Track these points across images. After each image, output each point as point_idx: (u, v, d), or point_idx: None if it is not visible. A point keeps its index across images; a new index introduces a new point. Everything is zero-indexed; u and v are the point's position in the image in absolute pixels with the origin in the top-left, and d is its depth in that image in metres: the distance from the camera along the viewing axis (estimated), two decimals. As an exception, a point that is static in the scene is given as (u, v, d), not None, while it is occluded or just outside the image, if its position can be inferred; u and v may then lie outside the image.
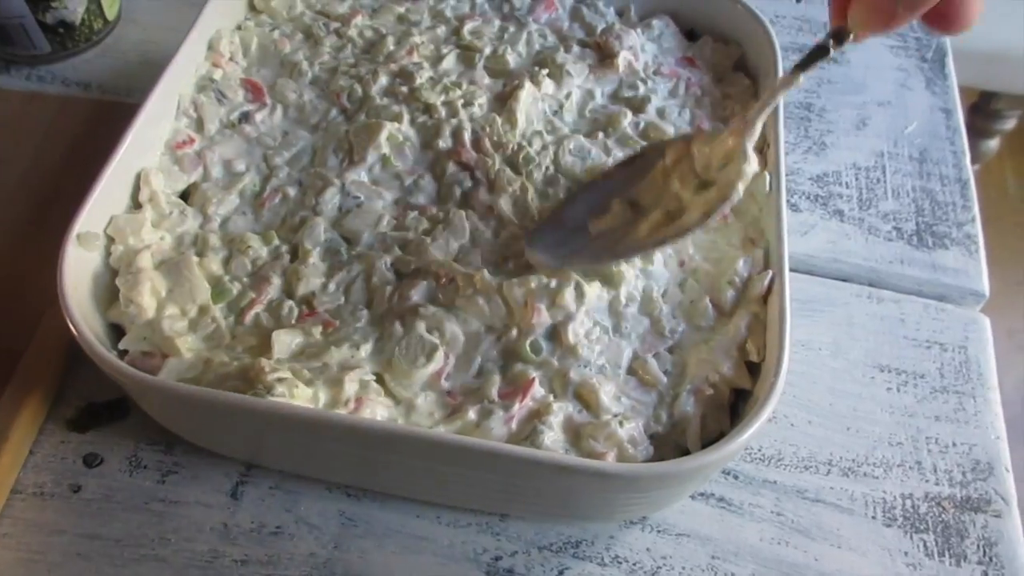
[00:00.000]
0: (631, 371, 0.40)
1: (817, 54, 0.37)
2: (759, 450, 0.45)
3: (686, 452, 0.37)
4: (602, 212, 0.43)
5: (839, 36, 0.36)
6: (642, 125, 0.49)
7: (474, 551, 0.41)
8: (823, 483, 0.44)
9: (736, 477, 0.44)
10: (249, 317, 0.41)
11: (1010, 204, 1.56)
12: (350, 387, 0.37)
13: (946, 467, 0.45)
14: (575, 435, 0.37)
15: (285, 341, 0.39)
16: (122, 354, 0.40)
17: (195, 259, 0.42)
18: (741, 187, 0.40)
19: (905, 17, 0.32)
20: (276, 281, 0.42)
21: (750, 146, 0.40)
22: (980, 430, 0.46)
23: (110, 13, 0.61)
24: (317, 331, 0.40)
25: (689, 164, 0.42)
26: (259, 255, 0.44)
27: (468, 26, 0.54)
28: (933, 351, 0.49)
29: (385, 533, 0.42)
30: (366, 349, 0.39)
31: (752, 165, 0.40)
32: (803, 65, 0.38)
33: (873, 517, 0.43)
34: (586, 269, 0.41)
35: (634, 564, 0.41)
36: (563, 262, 0.41)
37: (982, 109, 1.23)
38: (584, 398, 0.39)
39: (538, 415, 0.37)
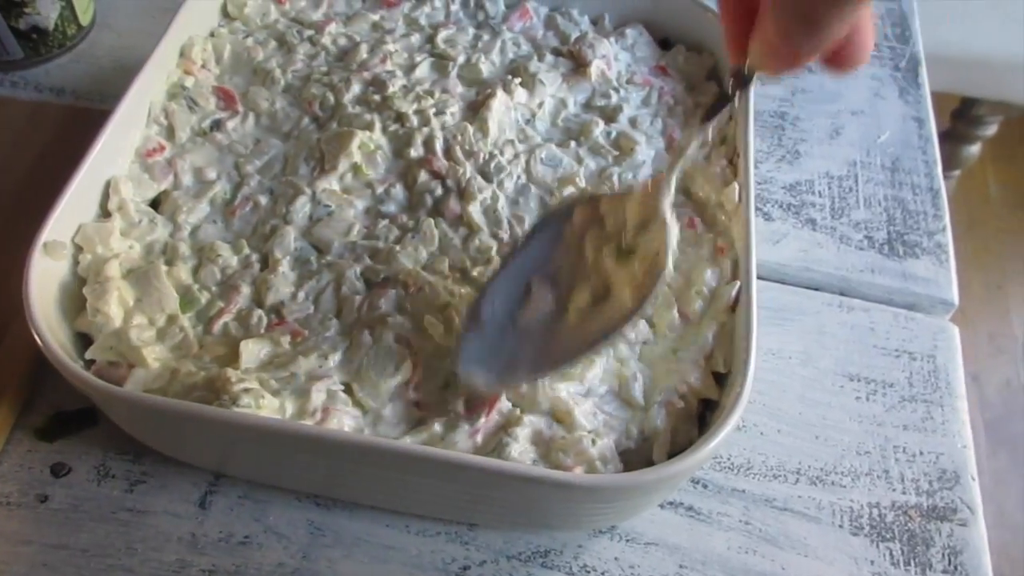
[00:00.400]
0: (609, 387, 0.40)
1: (719, 104, 0.37)
2: (728, 459, 0.45)
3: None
4: (522, 297, 0.39)
5: (739, 79, 0.34)
6: (614, 134, 0.49)
7: (443, 560, 0.41)
8: (791, 492, 0.44)
9: (705, 486, 0.44)
10: (218, 326, 0.41)
11: (992, 209, 1.57)
12: (317, 397, 0.37)
13: (913, 476, 0.45)
14: (545, 448, 0.37)
15: (253, 350, 0.39)
16: (89, 364, 0.40)
17: (164, 268, 0.42)
18: (670, 259, 0.37)
19: (807, 59, 0.29)
20: (245, 290, 0.42)
21: (667, 207, 0.38)
22: (947, 439, 0.47)
23: (84, 18, 0.61)
24: (286, 340, 0.40)
25: (599, 226, 0.39)
26: (229, 264, 0.43)
27: (442, 34, 0.54)
28: (902, 360, 0.50)
29: (354, 543, 0.42)
30: (335, 359, 0.39)
31: (673, 230, 0.37)
32: (708, 115, 0.38)
33: (840, 526, 0.43)
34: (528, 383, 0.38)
35: (602, 573, 0.41)
36: (502, 378, 0.38)
37: (964, 115, 1.24)
38: (558, 416, 0.38)
39: (505, 428, 0.37)
